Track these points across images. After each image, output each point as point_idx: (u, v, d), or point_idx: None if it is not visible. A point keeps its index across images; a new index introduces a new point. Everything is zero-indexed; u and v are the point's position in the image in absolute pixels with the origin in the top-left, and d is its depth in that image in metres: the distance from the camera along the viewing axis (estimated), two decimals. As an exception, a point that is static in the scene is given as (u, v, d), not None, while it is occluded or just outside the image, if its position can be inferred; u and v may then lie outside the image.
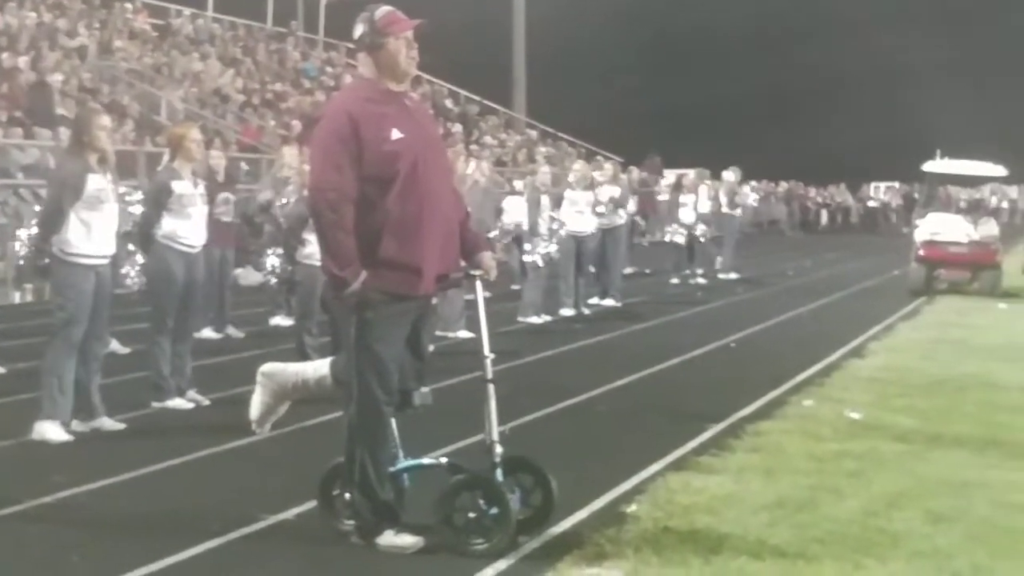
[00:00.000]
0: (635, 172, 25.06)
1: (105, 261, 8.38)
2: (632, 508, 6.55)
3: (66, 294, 8.24)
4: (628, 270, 20.90)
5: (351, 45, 6.06)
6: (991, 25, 53.92)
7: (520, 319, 15.21)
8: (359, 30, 5.85)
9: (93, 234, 8.21)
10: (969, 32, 54.42)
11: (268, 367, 6.78)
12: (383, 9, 5.85)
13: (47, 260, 8.32)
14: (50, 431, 8.13)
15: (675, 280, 21.46)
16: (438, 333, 12.63)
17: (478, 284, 6.04)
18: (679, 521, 6.29)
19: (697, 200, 22.02)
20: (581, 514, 6.39)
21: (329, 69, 36.03)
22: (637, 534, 6.05)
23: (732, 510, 6.56)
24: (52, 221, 8.26)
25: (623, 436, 8.68)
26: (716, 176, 23.73)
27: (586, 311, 16.40)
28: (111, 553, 5.76)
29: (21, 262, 9.06)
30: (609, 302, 17.46)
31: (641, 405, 9.98)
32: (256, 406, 6.73)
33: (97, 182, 8.22)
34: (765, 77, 53.55)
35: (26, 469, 7.48)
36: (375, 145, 5.66)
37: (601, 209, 16.86)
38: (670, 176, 29.99)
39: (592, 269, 17.14)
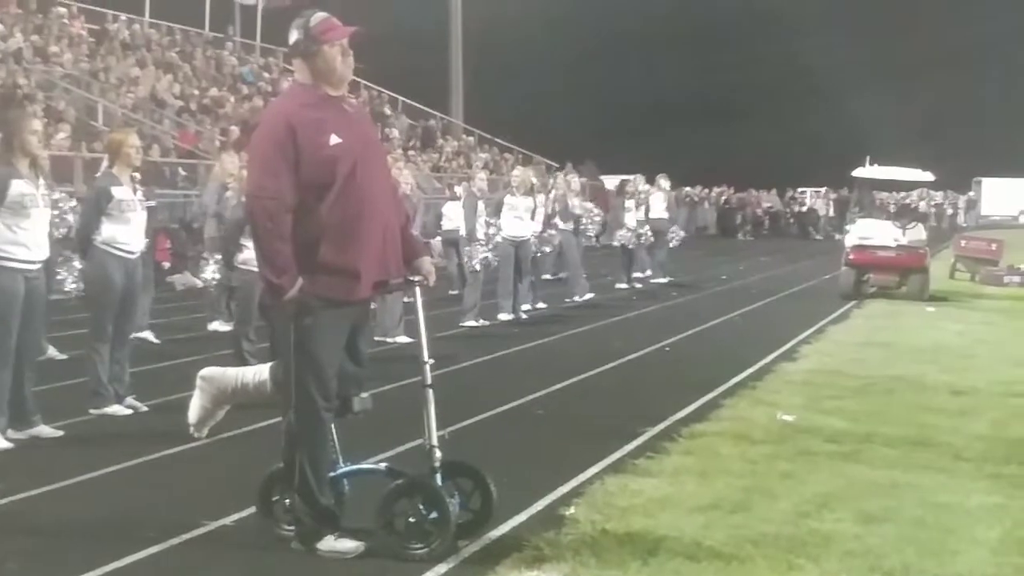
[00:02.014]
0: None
1: (36, 267, 8.26)
2: (570, 511, 6.63)
3: None
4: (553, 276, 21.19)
5: (288, 51, 6.06)
6: (916, 28, 54.73)
7: (460, 324, 15.27)
8: (294, 36, 5.83)
9: (21, 239, 8.08)
10: (894, 35, 55.19)
11: (207, 371, 6.80)
12: (318, 16, 5.83)
13: None
14: (-10, 439, 8.08)
15: (623, 285, 21.60)
16: (377, 339, 12.66)
17: (417, 290, 6.09)
18: (616, 523, 6.38)
19: (648, 206, 22.38)
20: (520, 517, 6.46)
21: (266, 75, 35.90)
22: (575, 537, 6.13)
23: (668, 512, 6.65)
24: None
25: (561, 439, 8.76)
26: (649, 182, 24.03)
27: (524, 316, 16.49)
28: (50, 561, 5.76)
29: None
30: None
31: (578, 409, 10.08)
32: (195, 410, 6.75)
33: (23, 187, 8.09)
34: (696, 81, 53.98)
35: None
36: (313, 151, 5.65)
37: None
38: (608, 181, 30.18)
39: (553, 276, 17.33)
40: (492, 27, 42.14)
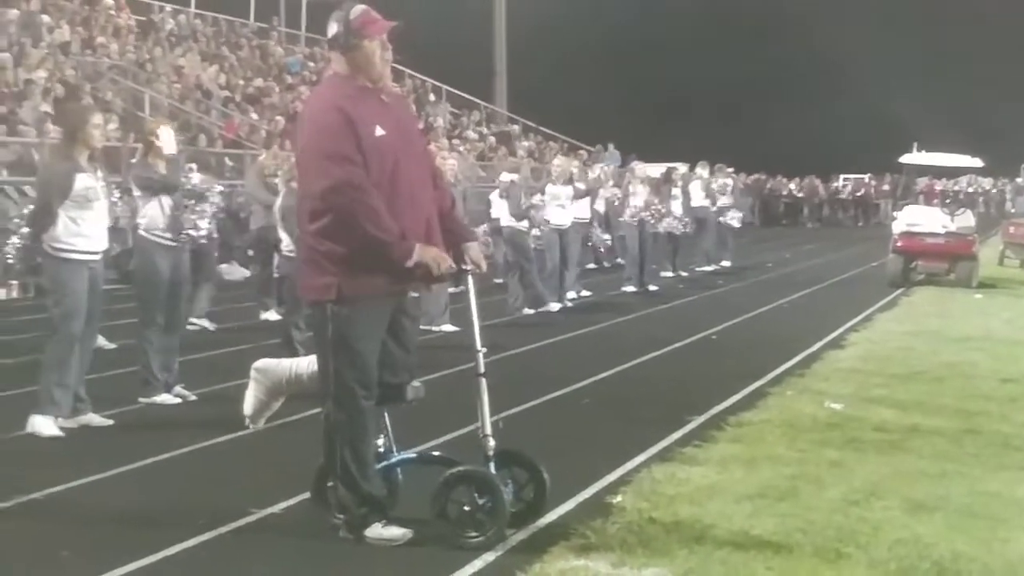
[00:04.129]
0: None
1: (97, 257, 8.40)
2: (617, 499, 6.63)
3: (60, 291, 8.28)
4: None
5: (327, 43, 6.05)
6: (966, 11, 54.10)
7: (509, 313, 15.27)
8: (333, 29, 5.81)
9: (84, 231, 8.23)
10: (944, 20, 54.58)
11: (261, 363, 6.82)
12: (358, 8, 5.80)
13: (38, 258, 8.37)
14: (43, 425, 8.18)
15: (668, 273, 21.52)
16: (422, 327, 12.70)
17: (469, 278, 6.08)
18: (664, 512, 6.37)
19: (688, 195, 22.29)
20: (567, 505, 6.46)
21: (311, 64, 36.00)
22: (623, 525, 6.12)
23: (715, 500, 6.64)
24: (41, 220, 8.29)
25: (607, 428, 8.76)
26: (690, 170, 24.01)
27: (569, 304, 16.48)
28: (102, 548, 5.81)
29: (9, 259, 9.08)
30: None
31: (625, 397, 10.07)
32: (250, 402, 6.78)
33: (85, 180, 8.23)
34: (739, 69, 53.60)
35: (15, 465, 7.50)
36: (363, 142, 5.65)
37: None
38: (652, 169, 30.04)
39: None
40: (536, 13, 42.06)
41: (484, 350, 5.96)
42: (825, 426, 8.72)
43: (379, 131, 5.70)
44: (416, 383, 6.06)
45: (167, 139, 9.34)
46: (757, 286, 20.70)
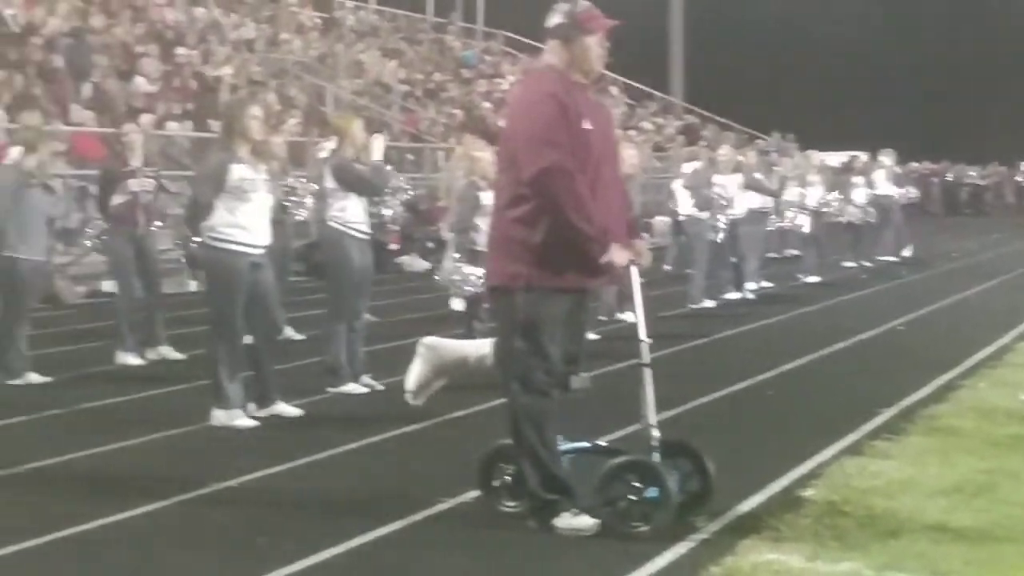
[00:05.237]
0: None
1: (258, 251, 8.46)
2: (808, 492, 6.52)
3: (217, 283, 8.44)
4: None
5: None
6: None
7: (690, 304, 15.15)
8: (556, 19, 5.92)
9: (241, 222, 8.31)
10: None
11: (430, 340, 6.88)
12: (584, 4, 5.92)
13: (194, 249, 8.55)
14: (229, 417, 8.35)
15: (851, 263, 21.07)
16: (601, 318, 12.67)
17: (634, 270, 6.05)
18: (856, 505, 6.23)
19: (873, 182, 21.76)
20: (757, 498, 6.38)
21: (488, 58, 36.29)
22: (815, 518, 6.02)
23: (909, 494, 6.48)
24: (195, 211, 8.47)
25: (795, 420, 8.63)
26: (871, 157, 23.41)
27: (750, 295, 16.27)
28: (296, 535, 5.92)
29: (185, 252, 9.35)
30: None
31: (811, 389, 9.90)
32: (414, 377, 6.82)
33: (243, 172, 8.31)
34: (921, 53, 52.06)
35: (210, 453, 7.73)
36: (574, 132, 5.72)
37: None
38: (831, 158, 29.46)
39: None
40: (711, 1, 41.63)
41: (650, 341, 5.92)
42: (1021, 419, 8.43)
43: (587, 124, 5.77)
44: (583, 374, 6.04)
45: (377, 147, 9.53)
46: (942, 276, 20.13)
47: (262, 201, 8.47)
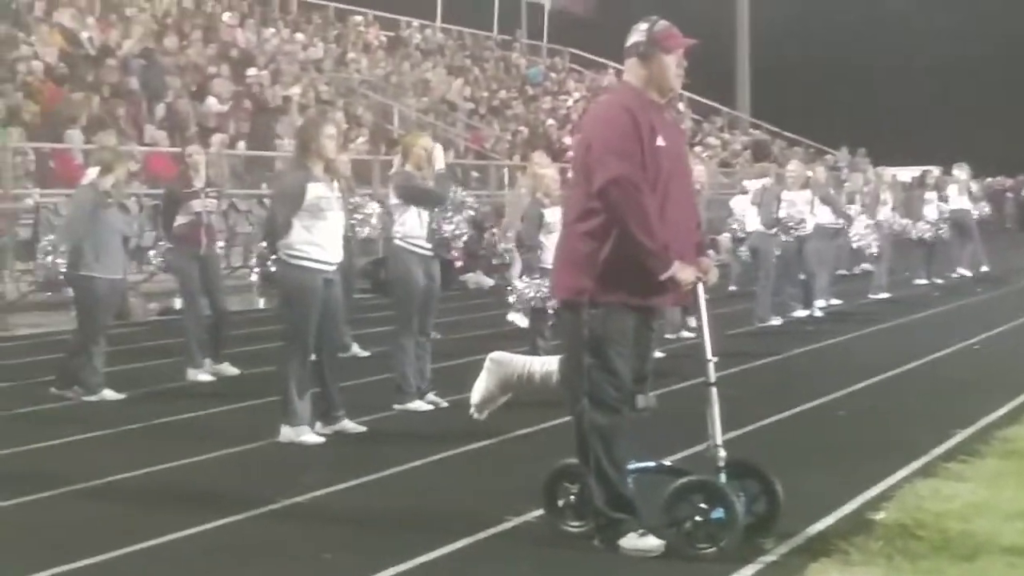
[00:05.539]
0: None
1: (332, 268, 8.52)
2: (880, 515, 6.40)
3: (292, 300, 8.48)
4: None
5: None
6: None
7: (757, 322, 15.01)
8: (635, 38, 5.94)
9: (317, 240, 8.38)
10: None
11: (498, 354, 6.85)
12: (663, 23, 5.94)
13: (272, 267, 8.61)
14: (297, 434, 8.39)
15: (922, 280, 20.78)
16: (668, 336, 12.58)
17: (700, 287, 5.98)
18: (930, 529, 6.10)
19: (947, 197, 21.45)
20: (827, 520, 6.27)
21: (553, 75, 36.32)
22: (886, 541, 5.90)
23: (985, 517, 6.33)
24: (273, 229, 8.53)
25: (865, 440, 8.48)
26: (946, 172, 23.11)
27: (819, 313, 16.08)
28: (362, 552, 5.92)
29: (260, 269, 9.46)
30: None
31: (883, 409, 9.73)
32: (479, 391, 6.79)
33: (319, 190, 8.38)
34: (991, 65, 51.33)
35: (277, 470, 7.79)
36: (646, 146, 5.72)
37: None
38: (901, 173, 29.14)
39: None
40: (780, 14, 41.37)
41: (716, 359, 5.86)
42: (1101, 441, 8.24)
43: (660, 141, 5.77)
44: (649, 393, 5.98)
45: (438, 156, 9.54)
46: (1018, 294, 19.76)
47: (336, 219, 8.54)
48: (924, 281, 20.72)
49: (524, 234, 10.63)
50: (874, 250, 18.19)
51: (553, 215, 9.78)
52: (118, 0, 25.02)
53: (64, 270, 10.21)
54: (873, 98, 49.76)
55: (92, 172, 10.53)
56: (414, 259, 9.44)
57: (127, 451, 8.36)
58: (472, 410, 6.81)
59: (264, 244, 8.92)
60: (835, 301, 17.11)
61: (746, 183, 17.60)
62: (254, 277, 10.76)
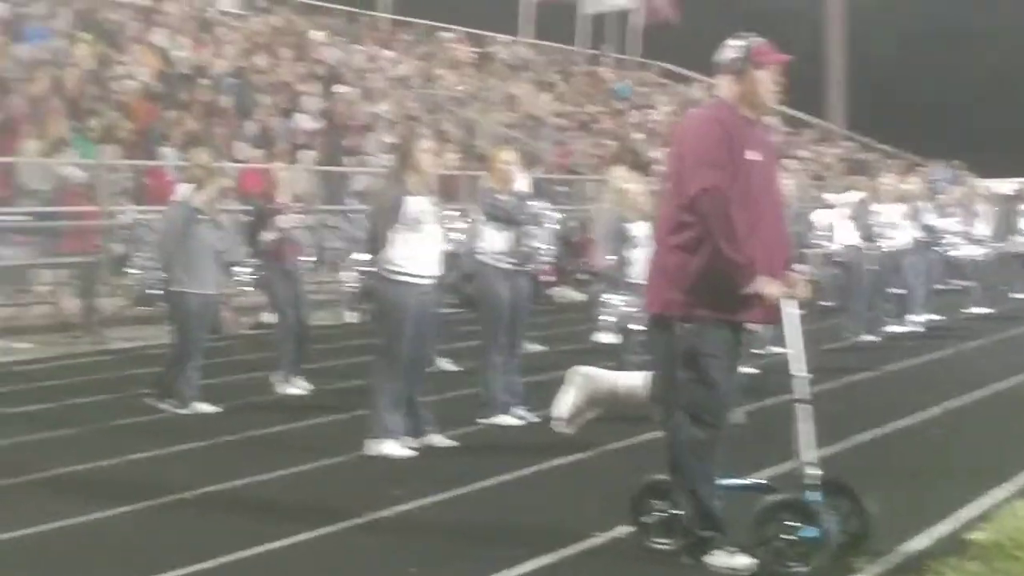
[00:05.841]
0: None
1: (429, 282, 8.55)
2: (976, 535, 6.25)
3: (389, 313, 8.50)
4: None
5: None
6: None
7: (850, 337, 14.79)
8: (730, 54, 5.91)
9: (415, 254, 8.42)
10: None
11: (585, 369, 6.84)
12: (758, 40, 5.92)
13: (372, 281, 8.66)
14: (388, 448, 8.41)
15: (1020, 295, 20.34)
16: (755, 351, 12.41)
17: (789, 303, 5.87)
18: (1028, 550, 5.97)
19: None
20: (921, 540, 6.15)
21: (641, 89, 36.20)
22: (983, 561, 5.77)
23: (1086, 539, 6.17)
24: (373, 244, 8.58)
25: (961, 459, 8.31)
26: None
27: (918, 328, 15.78)
28: (447, 566, 5.92)
29: (356, 284, 9.52)
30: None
31: (980, 427, 9.55)
32: (566, 405, 6.77)
33: (416, 204, 8.44)
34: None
35: (362, 484, 7.80)
36: (736, 160, 5.70)
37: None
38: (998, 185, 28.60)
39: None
40: (872, 24, 40.86)
41: (809, 376, 5.75)
42: None
43: (751, 155, 5.74)
44: (737, 409, 5.89)
45: (519, 176, 9.55)
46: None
47: (433, 232, 8.57)
48: (1021, 296, 20.28)
49: (607, 249, 10.57)
50: (977, 258, 17.91)
51: (639, 229, 9.72)
52: (211, 20, 25.41)
53: (157, 285, 10.36)
54: (971, 108, 48.91)
55: (184, 188, 10.68)
56: (499, 275, 9.45)
57: (220, 463, 8.45)
58: (558, 424, 6.78)
59: (359, 256, 8.97)
60: (934, 316, 16.81)
61: (829, 196, 17.40)
62: (348, 288, 10.81)
